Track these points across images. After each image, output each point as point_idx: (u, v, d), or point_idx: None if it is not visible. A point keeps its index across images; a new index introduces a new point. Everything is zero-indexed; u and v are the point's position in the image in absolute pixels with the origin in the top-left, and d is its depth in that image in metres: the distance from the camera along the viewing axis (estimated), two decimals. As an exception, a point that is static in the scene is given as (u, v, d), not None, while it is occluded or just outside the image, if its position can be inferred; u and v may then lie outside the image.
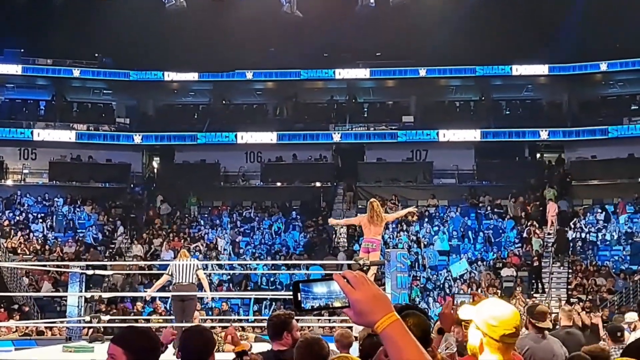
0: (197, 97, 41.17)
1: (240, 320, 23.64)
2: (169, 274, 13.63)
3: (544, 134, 36.52)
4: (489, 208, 34.71)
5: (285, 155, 37.93)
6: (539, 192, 34.87)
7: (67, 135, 37.35)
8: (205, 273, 14.09)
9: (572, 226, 32.75)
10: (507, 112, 39.17)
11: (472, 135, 36.62)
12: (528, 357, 7.34)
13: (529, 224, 32.50)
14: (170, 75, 38.83)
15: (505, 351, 3.61)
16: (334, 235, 33.70)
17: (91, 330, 17.00)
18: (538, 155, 38.82)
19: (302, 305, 2.37)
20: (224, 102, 40.91)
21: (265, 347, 6.93)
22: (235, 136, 37.58)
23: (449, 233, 32.78)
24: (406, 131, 37.21)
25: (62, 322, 19.10)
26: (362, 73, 38.60)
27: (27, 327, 22.08)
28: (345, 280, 2.34)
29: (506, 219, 33.74)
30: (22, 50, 37.91)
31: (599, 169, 35.53)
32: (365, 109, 40.32)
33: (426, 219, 33.97)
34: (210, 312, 25.31)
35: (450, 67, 37.79)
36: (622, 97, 38.10)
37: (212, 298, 26.67)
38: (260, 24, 34.75)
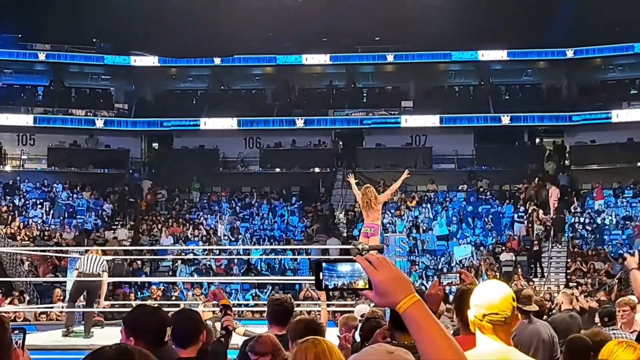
0: (195, 83, 41.10)
1: (240, 305, 23.67)
2: (77, 269, 14.14)
3: (543, 119, 36.60)
4: (488, 193, 34.72)
5: (284, 140, 37.87)
6: (538, 177, 34.79)
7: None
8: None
9: (572, 210, 32.82)
10: (507, 97, 39.10)
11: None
12: (516, 344, 7.31)
13: (530, 208, 32.47)
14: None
15: (496, 333, 3.61)
16: (332, 220, 33.73)
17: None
18: (537, 140, 38.79)
19: (325, 283, 2.44)
20: (222, 87, 40.83)
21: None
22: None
23: (448, 218, 32.77)
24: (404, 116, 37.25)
25: (61, 307, 19.13)
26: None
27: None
28: (367, 262, 2.40)
29: (505, 203, 33.74)
30: (19, 35, 37.79)
31: (599, 153, 35.53)
32: (365, 94, 40.25)
33: (425, 204, 33.94)
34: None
35: (449, 52, 37.73)
36: (621, 81, 38.05)
37: (212, 283, 26.80)
38: (258, 8, 34.64)
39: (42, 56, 38.15)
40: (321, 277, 2.44)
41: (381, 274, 2.37)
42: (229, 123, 37.62)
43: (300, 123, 37.57)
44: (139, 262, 28.79)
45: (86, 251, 15.16)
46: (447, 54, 37.89)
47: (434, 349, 2.33)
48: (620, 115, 35.32)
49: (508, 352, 3.60)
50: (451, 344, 2.36)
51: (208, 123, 37.72)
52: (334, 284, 2.45)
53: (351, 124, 37.93)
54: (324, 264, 2.45)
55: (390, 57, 38.35)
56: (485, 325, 3.59)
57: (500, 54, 37.70)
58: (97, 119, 37.95)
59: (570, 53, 36.93)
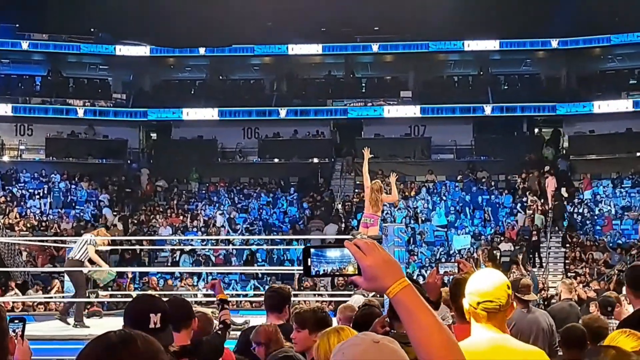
0: (193, 73, 41.02)
1: (238, 296, 23.68)
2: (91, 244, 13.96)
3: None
4: (487, 183, 34.72)
5: (283, 131, 37.83)
6: (537, 167, 34.79)
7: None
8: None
9: (571, 201, 32.84)
10: (506, 87, 39.06)
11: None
12: (515, 333, 7.34)
13: (529, 199, 32.47)
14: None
15: (491, 321, 3.60)
16: (332, 207, 33.78)
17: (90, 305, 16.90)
18: (536, 130, 38.77)
19: (314, 269, 2.39)
20: (220, 77, 40.74)
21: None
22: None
23: (446, 208, 32.78)
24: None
25: (61, 297, 19.13)
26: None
27: (24, 303, 22.04)
28: (356, 247, 2.35)
29: (504, 193, 33.74)
30: (17, 25, 37.68)
31: (598, 143, 35.50)
32: (364, 85, 40.19)
33: (424, 195, 33.93)
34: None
35: (448, 42, 37.69)
36: (620, 71, 38.00)
37: (210, 274, 26.81)
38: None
39: (39, 46, 38.03)
40: (309, 264, 2.38)
41: (370, 259, 2.32)
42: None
43: (296, 113, 37.51)
44: (129, 252, 28.75)
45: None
46: (446, 44, 37.82)
47: (425, 334, 2.29)
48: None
49: (504, 340, 3.60)
50: (442, 329, 2.31)
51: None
52: (323, 270, 2.39)
53: (346, 114, 37.89)
54: (312, 250, 2.39)
55: (389, 47, 38.26)
56: (480, 314, 3.58)
57: (499, 44, 37.59)
58: (88, 109, 37.83)
59: (569, 43, 36.86)
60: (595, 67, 38.39)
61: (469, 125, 37.19)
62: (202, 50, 38.77)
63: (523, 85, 38.89)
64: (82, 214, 33.12)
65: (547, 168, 34.13)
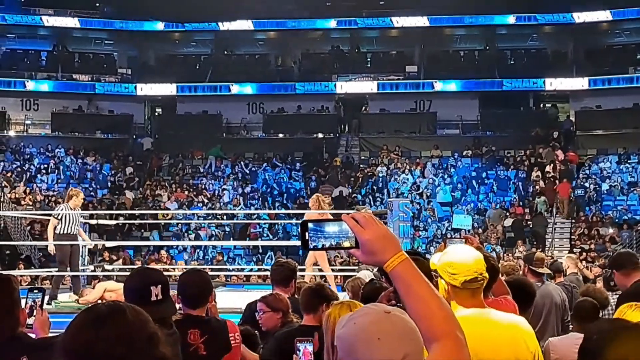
0: (198, 48, 40.92)
1: (242, 270, 23.78)
2: (57, 218, 13.26)
3: (548, 84, 36.42)
4: (493, 158, 34.67)
5: (288, 106, 37.76)
6: (544, 142, 34.73)
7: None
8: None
9: (576, 176, 32.84)
10: (512, 62, 38.90)
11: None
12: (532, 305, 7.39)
13: (534, 175, 32.45)
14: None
15: (473, 297, 3.60)
16: (340, 174, 33.91)
17: (96, 280, 16.95)
18: (542, 105, 38.66)
19: (312, 243, 2.40)
20: (225, 52, 40.63)
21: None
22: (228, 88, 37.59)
23: (452, 184, 32.76)
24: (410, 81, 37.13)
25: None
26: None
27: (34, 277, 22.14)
28: (354, 220, 2.35)
29: (510, 169, 33.71)
30: (22, 0, 37.59)
31: (604, 118, 35.41)
32: (369, 59, 40.04)
33: (429, 170, 33.89)
34: (210, 263, 25.44)
35: (454, 16, 37.49)
36: (627, 46, 37.79)
37: (214, 247, 26.94)
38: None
39: (45, 21, 37.93)
40: (307, 238, 2.39)
41: (368, 233, 2.33)
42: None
43: (301, 88, 37.40)
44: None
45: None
46: (453, 18, 37.62)
47: (424, 307, 2.29)
48: (626, 80, 35.39)
49: (486, 312, 3.62)
50: (440, 303, 2.32)
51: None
52: (322, 245, 2.40)
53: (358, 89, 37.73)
54: (309, 225, 2.41)
55: (395, 22, 38.08)
56: (464, 293, 3.58)
57: (506, 19, 37.40)
58: (93, 84, 37.84)
59: (576, 17, 36.63)
60: (602, 41, 38.18)
61: (475, 100, 37.08)
62: (210, 25, 38.47)
63: (529, 60, 38.72)
64: (89, 188, 33.19)
65: (555, 134, 34.26)
